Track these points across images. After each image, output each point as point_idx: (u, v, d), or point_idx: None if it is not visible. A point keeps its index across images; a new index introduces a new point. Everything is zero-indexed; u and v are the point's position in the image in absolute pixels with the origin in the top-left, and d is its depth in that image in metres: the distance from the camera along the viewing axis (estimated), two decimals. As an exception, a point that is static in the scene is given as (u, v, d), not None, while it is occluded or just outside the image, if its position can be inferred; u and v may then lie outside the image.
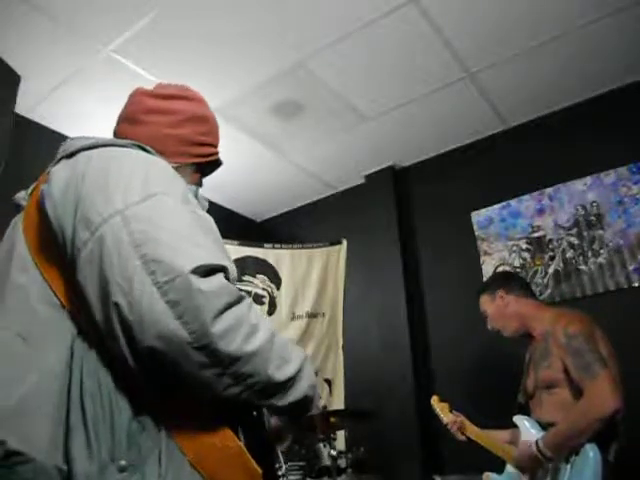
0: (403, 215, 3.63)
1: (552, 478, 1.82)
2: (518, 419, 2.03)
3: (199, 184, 1.14)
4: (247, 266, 3.47)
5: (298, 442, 2.92)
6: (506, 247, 3.16)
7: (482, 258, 3.23)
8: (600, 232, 2.86)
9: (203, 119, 1.14)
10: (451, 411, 2.28)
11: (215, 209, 4.08)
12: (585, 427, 1.73)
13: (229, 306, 0.75)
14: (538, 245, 3.05)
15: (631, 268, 2.72)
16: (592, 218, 2.90)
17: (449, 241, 3.39)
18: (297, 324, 3.47)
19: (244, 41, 2.55)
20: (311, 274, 3.59)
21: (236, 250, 3.47)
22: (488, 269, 3.17)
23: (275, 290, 3.51)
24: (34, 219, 0.88)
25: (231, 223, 4.18)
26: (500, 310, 2.16)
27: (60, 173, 0.86)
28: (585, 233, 2.91)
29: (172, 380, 0.76)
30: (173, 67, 2.64)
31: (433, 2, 2.39)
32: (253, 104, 3.01)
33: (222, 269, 0.78)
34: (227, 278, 0.79)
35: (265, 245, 3.58)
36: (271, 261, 3.54)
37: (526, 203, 3.14)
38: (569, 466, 1.77)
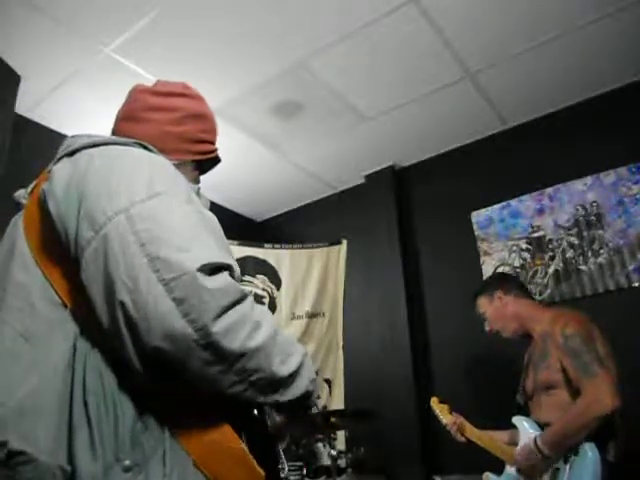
0: (403, 215, 3.63)
1: (551, 478, 1.82)
2: (517, 420, 2.03)
3: (197, 181, 1.14)
4: (247, 266, 3.48)
5: (296, 442, 2.93)
6: (506, 247, 3.16)
7: (482, 258, 3.23)
8: (600, 232, 2.86)
9: (203, 117, 1.14)
10: (451, 412, 2.28)
11: (215, 209, 4.06)
12: (583, 425, 1.74)
13: (234, 304, 0.75)
14: (538, 245, 3.05)
15: (631, 268, 2.72)
16: (592, 218, 2.90)
17: (449, 241, 3.39)
18: (297, 324, 3.48)
19: (244, 41, 2.55)
20: (311, 274, 3.59)
21: (236, 250, 3.47)
22: (488, 269, 3.17)
23: (275, 290, 3.51)
24: (35, 217, 0.88)
25: (231, 223, 4.17)
26: (499, 311, 2.16)
27: (62, 171, 0.86)
28: (585, 233, 2.91)
29: (177, 378, 0.76)
30: (173, 67, 2.64)
31: (433, 2, 2.39)
32: (253, 104, 3.01)
33: (227, 267, 0.78)
34: (232, 276, 0.79)
35: (265, 245, 3.58)
36: (271, 261, 3.55)
37: (526, 203, 3.14)
38: (568, 466, 1.78)
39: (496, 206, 3.24)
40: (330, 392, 3.47)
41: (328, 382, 3.49)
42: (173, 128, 1.07)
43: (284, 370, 0.80)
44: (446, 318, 3.26)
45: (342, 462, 2.70)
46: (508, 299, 2.15)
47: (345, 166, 3.74)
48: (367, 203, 3.76)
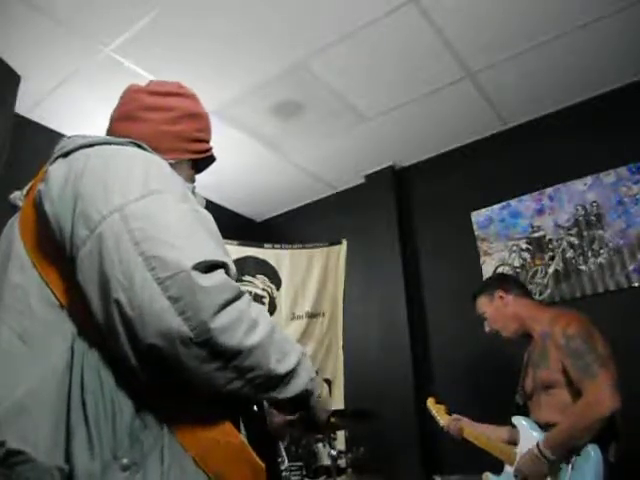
0: (403, 215, 3.63)
1: (553, 479, 1.81)
2: (517, 420, 2.02)
3: (193, 180, 1.15)
4: (247, 266, 3.47)
5: (295, 442, 2.93)
6: (506, 247, 3.16)
7: (482, 258, 3.23)
8: (600, 232, 2.86)
9: (198, 116, 1.15)
10: (448, 413, 2.28)
11: (215, 209, 4.08)
12: (585, 427, 1.73)
13: (230, 302, 0.75)
14: (538, 245, 3.05)
15: (631, 268, 2.72)
16: (592, 218, 2.90)
17: (449, 241, 3.39)
18: (297, 324, 3.47)
19: (244, 41, 2.55)
20: (311, 274, 3.58)
21: (236, 250, 3.47)
22: (488, 269, 3.17)
23: (275, 290, 3.51)
24: (31, 218, 0.88)
25: (231, 223, 4.17)
26: (499, 311, 2.15)
27: (57, 172, 0.86)
28: (585, 233, 2.91)
29: (174, 376, 0.76)
30: (173, 67, 2.64)
31: (433, 2, 2.39)
32: (253, 104, 3.01)
33: (223, 265, 0.78)
34: (228, 274, 0.79)
35: (265, 245, 3.58)
36: (271, 261, 3.54)
37: (526, 203, 3.14)
38: (570, 467, 1.77)
39: (496, 206, 3.24)
40: (330, 392, 3.47)
41: (328, 382, 3.48)
42: (169, 127, 1.08)
43: (281, 368, 0.80)
44: (446, 318, 3.26)
45: (342, 462, 2.70)
46: (508, 299, 2.15)
47: (345, 166, 3.74)
48: (367, 203, 3.75)
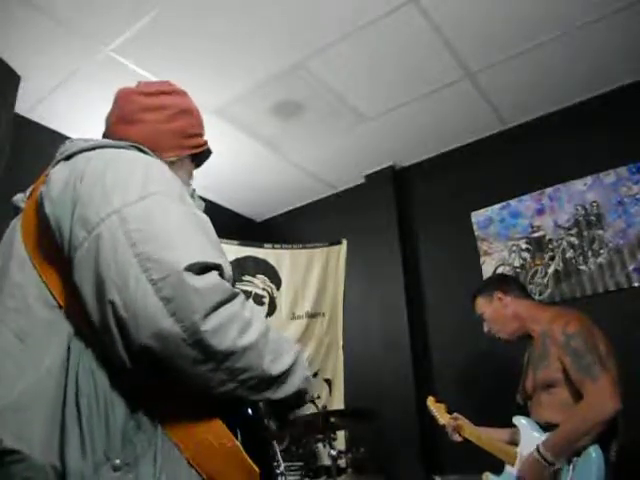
0: (403, 215, 3.63)
1: (553, 479, 1.81)
2: (517, 420, 2.02)
3: (192, 176, 1.17)
4: (247, 266, 3.47)
5: (296, 442, 2.93)
6: (506, 247, 3.16)
7: (482, 258, 3.23)
8: (600, 232, 2.86)
9: (190, 111, 1.17)
10: (449, 412, 2.27)
11: (215, 209, 4.11)
12: (587, 430, 1.73)
13: (222, 303, 0.76)
14: (538, 245, 3.05)
15: (631, 268, 2.72)
16: (592, 218, 2.90)
17: (449, 241, 3.39)
18: (297, 324, 3.47)
19: (244, 41, 2.55)
20: (311, 274, 3.59)
21: (236, 250, 3.47)
22: (488, 269, 3.17)
23: (275, 290, 3.51)
24: (32, 220, 0.89)
25: (231, 223, 4.17)
26: (499, 311, 2.15)
27: (58, 174, 0.88)
28: (585, 233, 2.91)
29: (168, 377, 0.76)
30: (173, 67, 2.64)
31: (433, 2, 2.39)
32: (253, 104, 3.01)
33: (216, 267, 0.79)
34: (222, 276, 0.80)
35: (265, 245, 3.58)
36: (271, 261, 3.54)
37: (526, 203, 3.14)
38: (571, 467, 1.77)
39: (496, 206, 3.24)
40: (330, 392, 3.47)
41: (328, 382, 3.48)
42: (166, 126, 1.09)
43: (276, 369, 0.81)
44: (446, 318, 3.26)
45: (342, 462, 2.70)
46: (507, 300, 2.14)
47: (345, 166, 3.74)
48: (367, 203, 3.76)
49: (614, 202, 2.85)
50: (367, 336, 3.51)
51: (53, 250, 0.84)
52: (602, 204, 2.88)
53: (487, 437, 2.12)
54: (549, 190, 3.07)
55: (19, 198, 0.99)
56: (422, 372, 3.23)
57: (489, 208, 3.27)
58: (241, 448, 0.80)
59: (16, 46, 2.45)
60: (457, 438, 2.18)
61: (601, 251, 2.83)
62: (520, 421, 2.01)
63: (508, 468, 2.00)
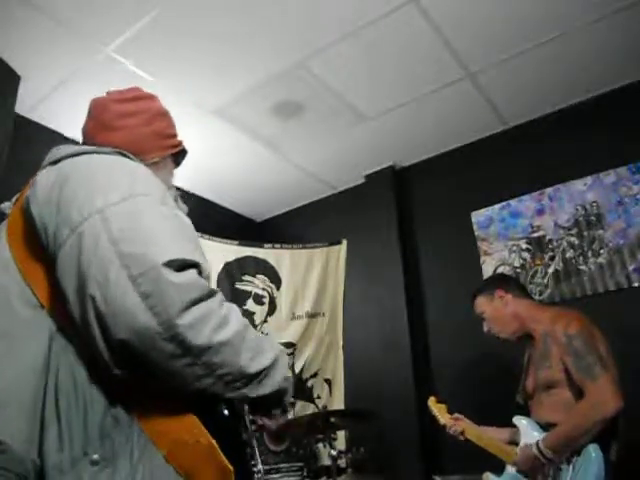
0: (403, 215, 3.63)
1: (554, 479, 1.81)
2: (517, 419, 2.02)
3: (173, 175, 1.22)
4: (247, 266, 3.48)
5: (296, 443, 2.93)
6: (506, 247, 3.16)
7: (482, 258, 3.23)
8: (600, 232, 2.86)
9: (164, 113, 1.21)
10: (450, 412, 2.27)
11: (215, 209, 4.11)
12: (587, 429, 1.73)
13: (199, 300, 0.78)
14: (538, 245, 3.05)
15: (631, 268, 2.72)
16: (592, 218, 2.90)
17: (449, 241, 3.39)
18: (297, 324, 3.48)
19: (244, 41, 2.55)
20: (311, 274, 3.59)
21: (236, 250, 3.47)
22: (488, 269, 3.17)
23: (275, 290, 3.51)
24: (18, 222, 0.92)
25: (231, 223, 4.18)
26: (499, 311, 2.15)
27: (45, 177, 0.91)
28: (585, 233, 2.91)
29: (146, 372, 0.78)
30: (173, 67, 2.64)
31: (433, 2, 2.39)
32: (253, 104, 3.01)
33: (195, 265, 0.81)
34: (200, 274, 0.82)
35: (265, 245, 3.58)
36: (271, 261, 3.55)
37: (526, 203, 3.14)
38: (571, 467, 1.77)
39: (496, 206, 3.24)
40: (330, 392, 3.47)
41: (328, 382, 3.49)
42: (147, 129, 1.14)
43: (253, 366, 0.83)
44: (446, 318, 3.26)
45: (342, 462, 2.70)
46: (507, 299, 2.14)
47: (345, 166, 3.74)
48: (367, 203, 3.76)
49: (614, 202, 2.85)
50: (367, 336, 3.51)
51: (38, 250, 0.87)
52: (602, 204, 2.88)
53: (487, 437, 2.12)
54: (549, 190, 3.08)
55: (6, 206, 1.02)
56: (422, 372, 3.23)
57: (489, 208, 3.27)
58: (216, 446, 0.82)
59: (16, 46, 2.45)
60: (461, 437, 2.17)
61: (601, 251, 2.83)
62: (520, 421, 2.01)
63: (509, 469, 2.01)
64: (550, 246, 3.01)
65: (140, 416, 0.80)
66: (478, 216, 3.30)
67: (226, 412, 0.91)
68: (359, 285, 3.68)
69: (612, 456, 1.76)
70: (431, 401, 2.36)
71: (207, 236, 3.38)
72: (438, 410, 2.30)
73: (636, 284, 2.69)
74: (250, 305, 3.41)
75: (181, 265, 0.78)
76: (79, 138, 1.19)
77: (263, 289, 3.48)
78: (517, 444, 2.00)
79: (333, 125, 3.26)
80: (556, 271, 2.96)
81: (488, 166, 3.36)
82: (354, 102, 3.06)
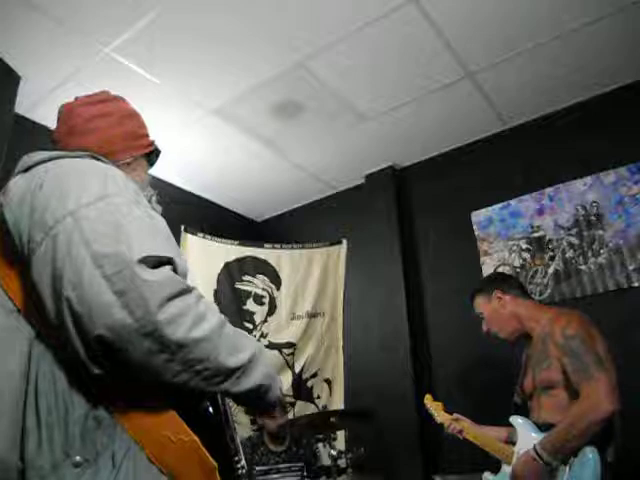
0: (403, 215, 3.63)
1: None
2: (514, 419, 2.02)
3: (147, 175, 1.22)
4: (247, 266, 3.48)
5: (296, 443, 2.93)
6: (506, 247, 3.16)
7: (482, 258, 3.23)
8: (600, 232, 2.86)
9: (134, 114, 1.23)
10: (446, 411, 2.27)
11: (215, 209, 4.11)
12: (582, 430, 1.72)
13: (174, 296, 0.78)
14: (538, 245, 3.05)
15: (631, 268, 2.72)
16: (592, 218, 2.90)
17: (449, 241, 3.39)
18: (297, 324, 3.48)
19: (244, 41, 2.55)
20: (311, 274, 3.59)
21: (236, 250, 3.48)
22: (488, 269, 3.17)
23: (275, 290, 3.51)
24: None
25: (231, 223, 4.18)
26: (497, 310, 2.14)
27: (17, 184, 0.92)
28: (585, 233, 2.91)
29: (123, 369, 0.78)
30: (173, 67, 2.64)
31: (433, 2, 2.38)
32: (253, 104, 3.01)
33: (169, 262, 0.82)
34: (175, 271, 0.82)
35: (265, 245, 3.58)
36: (271, 261, 3.55)
37: (526, 203, 3.15)
38: (567, 468, 1.77)
39: (496, 206, 3.24)
40: (330, 392, 3.47)
41: (328, 382, 3.49)
42: (118, 129, 1.15)
43: (232, 362, 0.83)
44: (446, 318, 3.26)
45: (342, 462, 2.70)
46: (506, 299, 2.13)
47: (345, 166, 3.74)
48: (367, 203, 3.76)
49: (614, 202, 2.85)
50: (367, 336, 3.52)
51: (12, 256, 0.87)
52: (602, 204, 2.88)
53: (484, 436, 2.12)
54: (549, 190, 3.08)
55: None
56: (422, 372, 3.24)
57: (489, 208, 3.27)
58: (199, 443, 0.82)
59: (16, 46, 2.45)
60: (460, 436, 2.17)
61: (601, 251, 2.83)
62: (517, 421, 2.00)
63: (505, 468, 2.00)
64: (550, 246, 3.01)
65: (122, 416, 0.81)
66: (478, 216, 3.30)
67: (210, 409, 0.92)
68: (359, 285, 3.68)
69: (609, 457, 1.75)
70: (427, 399, 2.35)
71: (207, 236, 3.38)
72: (434, 408, 2.30)
73: (636, 284, 2.69)
74: (250, 305, 3.41)
75: (155, 262, 0.79)
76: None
77: (263, 289, 3.48)
78: (514, 443, 1.99)
79: (333, 125, 3.26)
80: (556, 271, 2.96)
81: (488, 166, 3.36)
82: (354, 102, 3.06)
